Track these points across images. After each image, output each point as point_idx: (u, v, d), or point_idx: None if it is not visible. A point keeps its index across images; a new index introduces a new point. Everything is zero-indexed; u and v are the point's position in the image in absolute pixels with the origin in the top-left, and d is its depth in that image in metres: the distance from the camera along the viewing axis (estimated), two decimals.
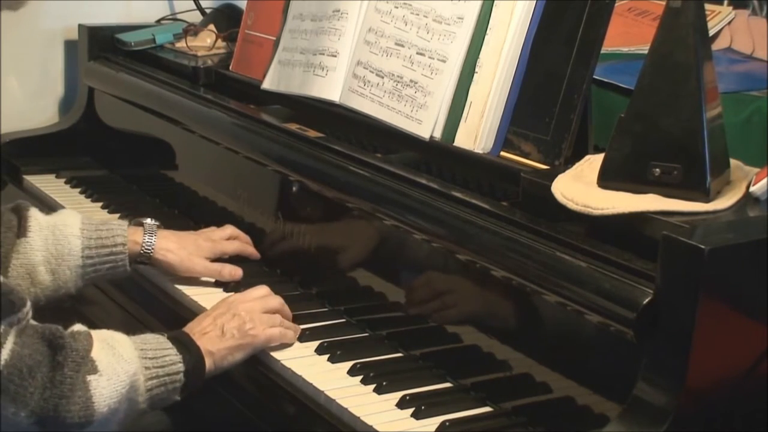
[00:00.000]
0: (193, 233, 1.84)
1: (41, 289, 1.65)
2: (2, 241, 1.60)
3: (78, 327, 1.41)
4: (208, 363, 1.49)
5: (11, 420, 1.28)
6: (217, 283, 1.79)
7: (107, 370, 1.36)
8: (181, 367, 1.44)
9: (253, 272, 1.82)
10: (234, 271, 1.78)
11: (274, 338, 1.56)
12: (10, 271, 1.62)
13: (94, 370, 1.34)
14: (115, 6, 2.64)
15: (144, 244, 1.74)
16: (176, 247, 1.77)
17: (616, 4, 1.58)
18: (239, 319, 1.54)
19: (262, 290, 1.62)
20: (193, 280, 1.80)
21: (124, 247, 1.71)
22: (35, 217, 1.68)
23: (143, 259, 1.75)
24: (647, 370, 1.22)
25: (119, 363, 1.39)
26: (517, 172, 1.49)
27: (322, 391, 1.45)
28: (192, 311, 1.69)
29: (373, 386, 1.46)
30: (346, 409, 1.41)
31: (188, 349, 1.47)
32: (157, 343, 1.45)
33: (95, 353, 1.37)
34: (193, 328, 1.53)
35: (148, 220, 1.79)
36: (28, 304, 1.34)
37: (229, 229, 1.85)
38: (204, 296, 1.73)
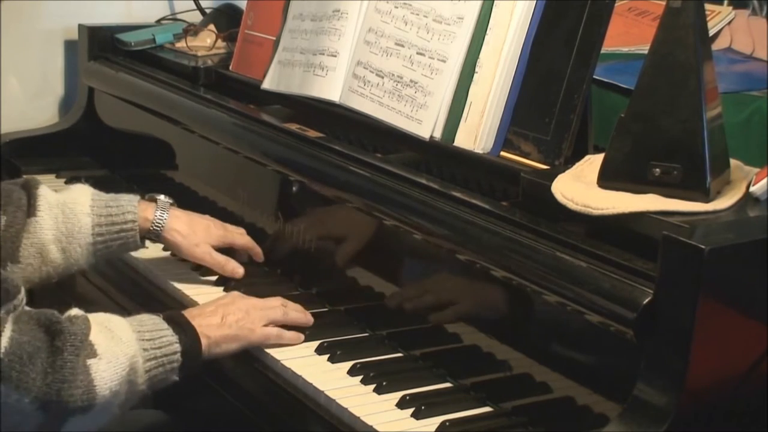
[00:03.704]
0: (208, 218, 1.83)
1: (53, 267, 1.65)
2: (12, 221, 1.60)
3: (75, 311, 1.40)
4: (204, 346, 1.50)
5: (15, 408, 1.27)
6: (217, 283, 1.79)
7: (106, 354, 1.36)
8: (177, 347, 1.45)
9: (254, 272, 1.81)
10: (237, 268, 1.78)
11: (271, 337, 1.57)
12: (21, 251, 1.61)
13: (93, 354, 1.34)
14: (115, 6, 2.63)
15: (154, 222, 1.73)
16: (186, 229, 1.76)
17: (616, 4, 1.58)
18: (240, 312, 1.56)
19: (275, 301, 1.63)
20: (193, 280, 1.81)
21: (134, 224, 1.70)
22: (44, 195, 1.67)
23: (152, 235, 1.75)
24: (647, 370, 1.22)
25: (118, 346, 1.39)
26: (517, 172, 1.49)
27: (322, 391, 1.45)
28: None
29: (373, 386, 1.46)
30: (346, 409, 1.41)
31: (184, 330, 1.48)
32: (153, 324, 1.46)
33: (93, 337, 1.36)
34: (192, 311, 1.56)
35: (162, 197, 1.79)
36: (23, 290, 1.34)
37: (242, 230, 1.85)
38: (203, 296, 1.73)
